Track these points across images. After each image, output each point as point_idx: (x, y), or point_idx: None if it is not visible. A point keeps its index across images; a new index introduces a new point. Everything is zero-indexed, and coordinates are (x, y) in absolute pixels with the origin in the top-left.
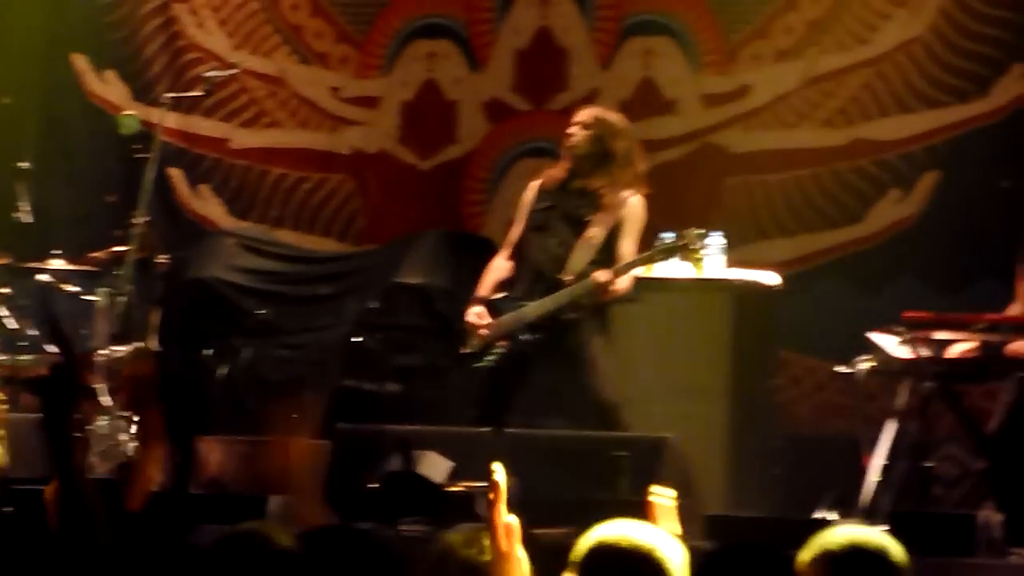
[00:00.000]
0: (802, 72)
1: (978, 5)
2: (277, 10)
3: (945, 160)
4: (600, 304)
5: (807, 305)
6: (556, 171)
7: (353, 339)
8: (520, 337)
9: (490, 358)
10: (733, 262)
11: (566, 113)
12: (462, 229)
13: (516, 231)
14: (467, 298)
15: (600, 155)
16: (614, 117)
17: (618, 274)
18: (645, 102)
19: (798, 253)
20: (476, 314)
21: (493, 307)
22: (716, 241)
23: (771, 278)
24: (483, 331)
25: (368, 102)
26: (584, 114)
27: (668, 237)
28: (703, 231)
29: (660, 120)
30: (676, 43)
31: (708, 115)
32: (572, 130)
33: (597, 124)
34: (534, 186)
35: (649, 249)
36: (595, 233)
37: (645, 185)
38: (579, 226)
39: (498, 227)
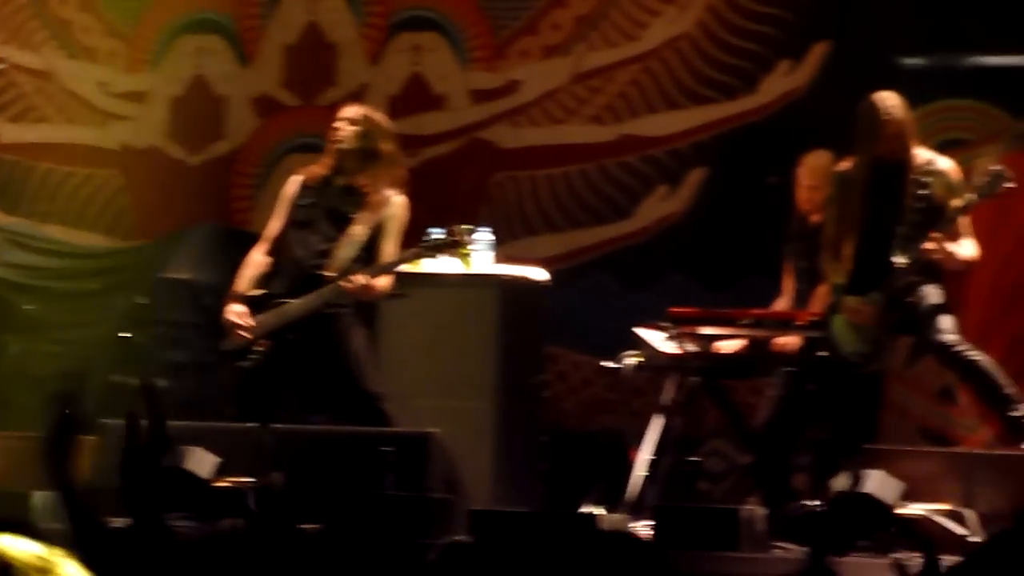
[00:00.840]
0: (570, 68)
1: (746, 2)
2: (45, 4)
3: (712, 156)
4: (362, 302)
5: (574, 301)
6: (319, 167)
7: (121, 335)
8: (284, 336)
9: (253, 356)
10: (501, 258)
11: (335, 109)
12: (231, 225)
13: (275, 225)
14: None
15: (366, 152)
16: (380, 116)
17: (376, 274)
18: (414, 97)
19: (565, 249)
20: (236, 312)
21: (253, 304)
22: (484, 237)
23: (538, 274)
24: (243, 331)
25: (137, 97)
26: (351, 111)
27: (437, 233)
28: (471, 227)
29: (429, 115)
30: (444, 39)
31: (476, 111)
32: (339, 125)
33: (364, 121)
34: (296, 180)
35: (412, 247)
36: (358, 231)
37: (405, 185)
38: (343, 223)
39: (266, 223)
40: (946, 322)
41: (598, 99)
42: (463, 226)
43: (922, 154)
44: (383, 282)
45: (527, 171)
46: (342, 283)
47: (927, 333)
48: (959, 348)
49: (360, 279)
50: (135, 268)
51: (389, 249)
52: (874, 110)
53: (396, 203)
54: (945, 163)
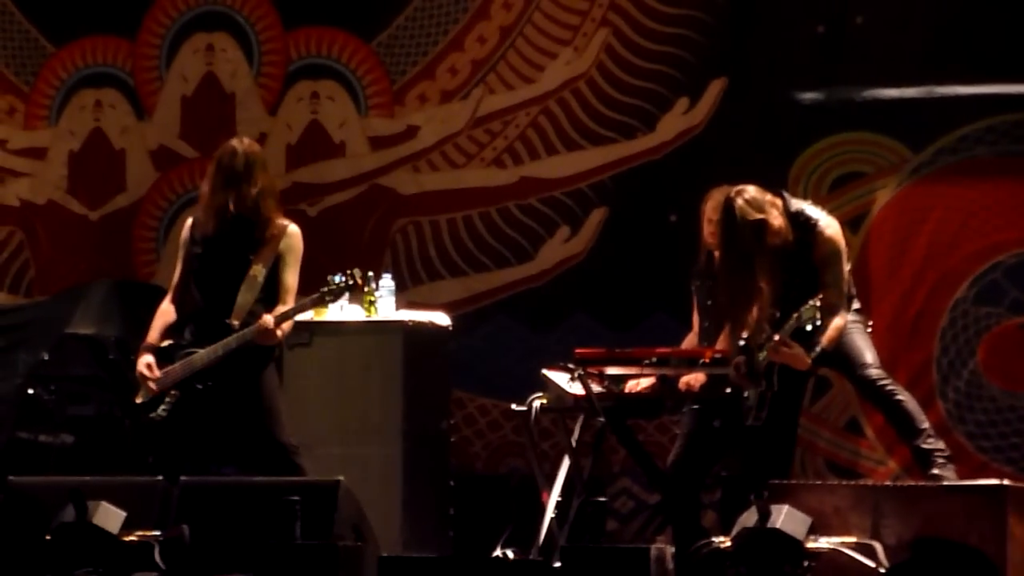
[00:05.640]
0: (468, 112)
1: (643, 41)
2: None
3: (612, 196)
4: (268, 346)
5: (479, 344)
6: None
7: (26, 391)
8: (194, 386)
9: (163, 407)
10: (403, 304)
11: None
12: (134, 278)
13: (179, 273)
14: (139, 347)
15: (259, 193)
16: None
17: (281, 321)
18: (313, 145)
19: (469, 293)
20: (146, 364)
21: (163, 355)
22: (386, 283)
23: (441, 319)
24: (153, 383)
25: (36, 153)
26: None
27: (338, 279)
28: (370, 272)
29: (329, 163)
30: (342, 86)
31: (376, 157)
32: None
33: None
34: (189, 224)
35: (314, 293)
36: (257, 271)
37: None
38: (241, 263)
39: (169, 275)
40: (869, 356)
41: (497, 142)
42: (359, 271)
43: (807, 211)
44: (286, 325)
45: (428, 216)
46: (245, 330)
47: (852, 367)
48: (883, 383)
49: (268, 322)
50: (38, 324)
51: (290, 281)
52: (732, 215)
53: (291, 233)
54: (828, 226)
